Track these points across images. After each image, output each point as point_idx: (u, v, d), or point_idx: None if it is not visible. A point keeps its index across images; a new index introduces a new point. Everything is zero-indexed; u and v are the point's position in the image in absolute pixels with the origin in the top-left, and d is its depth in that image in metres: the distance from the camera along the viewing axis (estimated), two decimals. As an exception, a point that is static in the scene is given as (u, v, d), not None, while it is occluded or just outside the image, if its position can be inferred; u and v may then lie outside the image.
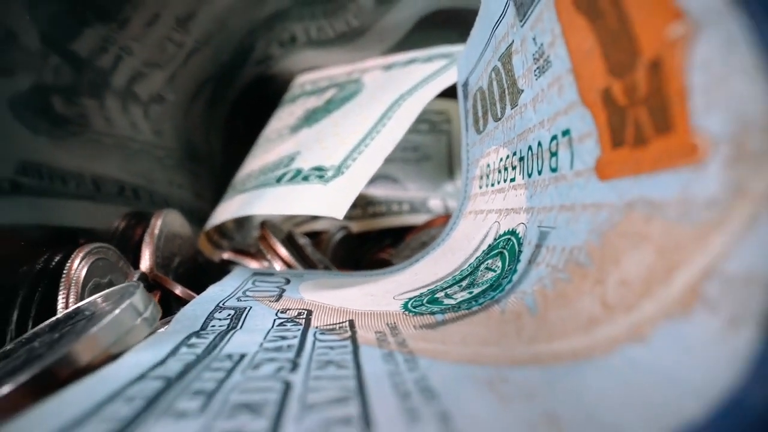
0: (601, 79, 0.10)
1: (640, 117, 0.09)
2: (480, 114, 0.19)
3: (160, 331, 0.13)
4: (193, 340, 0.12)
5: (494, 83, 0.17)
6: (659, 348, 0.07)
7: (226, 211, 0.25)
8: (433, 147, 0.38)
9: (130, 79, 0.29)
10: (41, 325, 0.14)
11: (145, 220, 0.24)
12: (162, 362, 0.10)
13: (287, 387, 0.08)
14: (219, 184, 0.35)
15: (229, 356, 0.10)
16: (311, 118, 0.27)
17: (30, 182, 0.21)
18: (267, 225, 0.24)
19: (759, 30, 0.06)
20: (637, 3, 0.08)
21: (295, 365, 0.09)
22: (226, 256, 0.25)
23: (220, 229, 0.29)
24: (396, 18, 0.31)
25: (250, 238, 0.32)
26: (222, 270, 0.25)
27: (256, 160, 0.28)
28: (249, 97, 0.38)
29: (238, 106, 0.38)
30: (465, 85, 0.21)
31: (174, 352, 0.11)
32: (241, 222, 0.32)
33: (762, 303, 0.06)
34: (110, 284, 0.18)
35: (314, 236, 0.31)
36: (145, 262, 0.21)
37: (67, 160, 0.24)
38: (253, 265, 0.24)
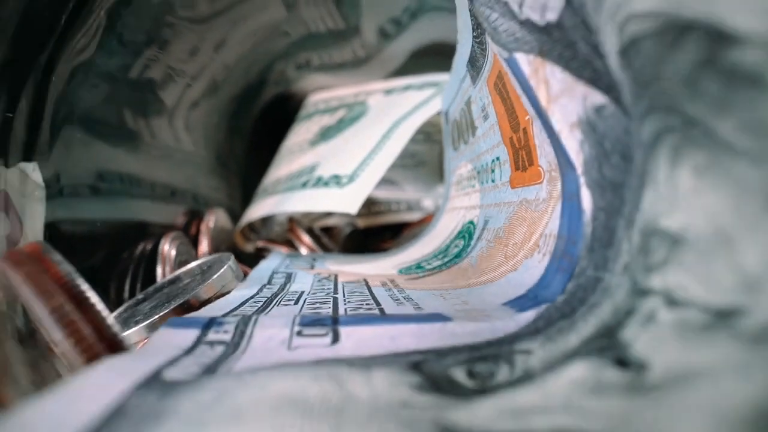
0: (508, 131, 0.18)
1: (523, 155, 0.17)
2: (456, 136, 0.27)
3: (240, 284, 0.21)
4: (267, 287, 0.20)
5: (463, 118, 0.25)
6: (519, 271, 0.15)
7: (260, 210, 0.33)
8: (428, 154, 0.46)
9: (178, 100, 0.37)
10: (160, 283, 0.22)
11: (199, 216, 0.32)
12: (257, 293, 0.18)
13: (335, 299, 0.16)
14: (246, 188, 0.43)
15: (295, 291, 0.18)
16: (326, 134, 0.36)
17: (109, 186, 0.30)
18: (294, 220, 0.32)
19: (545, 125, 0.14)
20: (514, 100, 0.16)
21: (335, 292, 0.18)
22: (260, 244, 0.33)
23: (251, 225, 0.38)
24: (395, 49, 0.39)
25: (272, 232, 0.40)
26: (257, 256, 0.33)
27: (282, 169, 0.36)
28: (268, 112, 0.46)
29: (259, 120, 0.46)
30: (446, 113, 0.29)
31: (260, 290, 0.19)
32: (266, 219, 0.40)
33: (552, 244, 0.14)
34: (187, 261, 0.26)
35: (327, 231, 0.39)
36: (204, 248, 0.30)
37: (137, 168, 0.32)
38: (283, 250, 0.32)
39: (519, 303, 0.13)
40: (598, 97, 0.10)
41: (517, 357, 0.10)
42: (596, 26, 0.09)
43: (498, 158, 0.20)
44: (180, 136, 0.38)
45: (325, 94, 0.43)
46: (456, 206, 0.27)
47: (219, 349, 0.11)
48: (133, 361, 0.09)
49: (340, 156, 0.31)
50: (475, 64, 0.20)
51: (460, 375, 0.10)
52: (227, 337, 0.11)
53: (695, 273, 0.08)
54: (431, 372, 0.10)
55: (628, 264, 0.10)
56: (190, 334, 0.11)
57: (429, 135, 0.46)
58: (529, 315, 0.12)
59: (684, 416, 0.07)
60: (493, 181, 0.21)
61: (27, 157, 0.15)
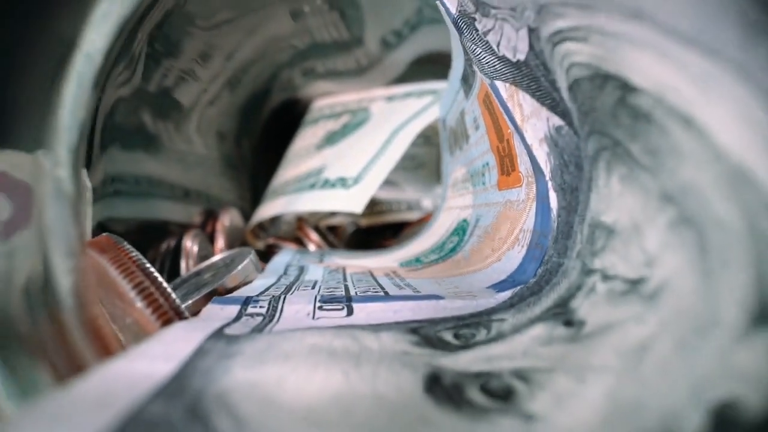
0: (495, 141, 0.21)
1: (507, 162, 0.20)
2: (452, 142, 0.30)
3: (259, 275, 0.24)
4: (284, 276, 0.23)
5: (458, 126, 0.28)
6: (503, 261, 0.18)
7: (271, 209, 0.36)
8: (427, 157, 0.49)
9: (193, 106, 0.40)
10: (185, 275, 0.25)
11: (214, 215, 0.35)
12: (276, 282, 0.21)
13: (346, 285, 0.19)
14: (255, 189, 0.46)
15: (309, 280, 0.21)
16: (331, 139, 0.39)
17: (136, 188, 0.33)
18: (302, 219, 0.35)
19: (521, 139, 0.17)
20: (498, 115, 0.19)
21: (345, 281, 0.21)
22: (271, 241, 0.36)
23: (260, 224, 0.41)
24: (397, 58, 0.42)
25: (280, 230, 0.43)
26: (267, 252, 0.36)
27: (290, 171, 0.39)
28: (276, 117, 0.49)
29: (267, 124, 0.49)
30: (444, 121, 0.32)
31: (278, 279, 0.22)
32: (274, 218, 0.43)
33: (529, 238, 0.17)
34: (207, 257, 0.29)
35: (332, 230, 0.42)
36: (220, 244, 0.33)
37: (158, 171, 0.35)
38: (292, 247, 0.35)
39: (500, 286, 0.16)
40: (557, 120, 0.13)
41: (493, 324, 0.13)
42: (552, 68, 0.12)
43: (487, 164, 0.23)
44: (193, 139, 0.41)
45: (329, 99, 0.46)
46: (452, 206, 0.30)
47: (258, 319, 0.14)
48: (199, 322, 0.12)
49: (346, 160, 0.34)
50: (467, 81, 0.23)
51: (448, 336, 0.13)
52: (263, 310, 0.14)
53: (620, 255, 0.11)
54: (426, 334, 0.13)
55: (580, 251, 0.13)
56: (234, 309, 0.14)
57: (428, 139, 0.49)
58: (506, 294, 0.15)
59: (600, 352, 0.10)
60: (483, 183, 0.24)
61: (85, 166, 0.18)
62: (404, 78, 0.44)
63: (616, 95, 0.10)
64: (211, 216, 0.35)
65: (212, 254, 0.31)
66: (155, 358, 0.09)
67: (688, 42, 0.08)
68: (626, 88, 0.10)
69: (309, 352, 0.11)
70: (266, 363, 0.10)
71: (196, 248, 0.28)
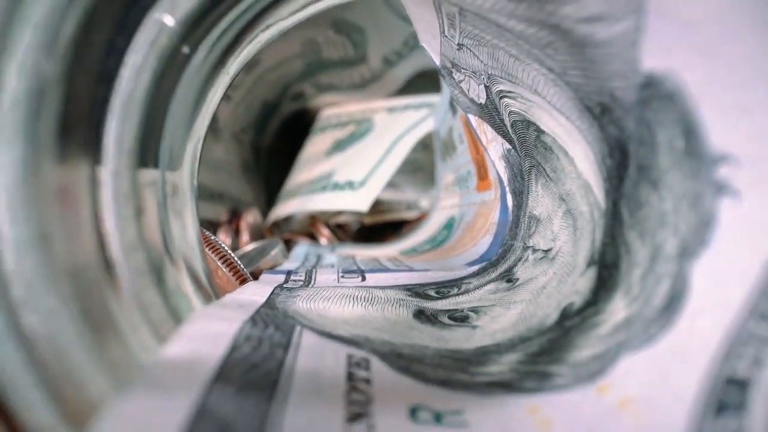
0: (474, 153, 0.28)
1: (482, 170, 0.27)
2: (444, 151, 0.37)
3: (286, 261, 0.31)
4: (306, 262, 0.30)
5: (448, 139, 0.35)
6: (477, 246, 0.25)
7: (287, 208, 0.43)
8: (425, 161, 0.55)
9: (221, 115, 0.46)
10: (224, 261, 0.32)
11: (238, 214, 0.42)
12: (302, 264, 0.28)
13: (357, 266, 0.26)
14: (269, 190, 0.53)
15: (328, 263, 0.28)
16: (339, 147, 0.46)
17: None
18: (315, 217, 0.42)
19: (488, 155, 0.24)
20: (474, 136, 0.26)
21: (356, 263, 0.27)
22: (286, 236, 0.43)
23: (275, 222, 0.47)
24: (398, 73, 0.49)
25: (292, 227, 0.50)
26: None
27: (302, 175, 0.46)
28: (286, 125, 0.56)
29: (279, 132, 0.56)
30: (437, 132, 0.39)
31: (302, 263, 0.29)
32: (287, 217, 0.50)
33: (495, 228, 0.24)
34: (235, 249, 0.36)
35: (339, 227, 0.49)
36: (245, 238, 0.39)
37: (189, 176, 0.42)
38: (306, 241, 0.42)
39: (473, 263, 0.23)
40: (507, 145, 0.20)
41: (463, 285, 0.20)
42: (501, 111, 0.19)
43: (470, 171, 0.29)
44: (215, 145, 0.48)
45: (335, 110, 0.53)
46: (444, 206, 0.37)
47: (300, 283, 0.20)
48: (263, 282, 0.19)
49: (353, 165, 0.41)
50: (453, 104, 0.30)
51: (431, 292, 0.19)
52: (302, 278, 0.21)
53: (542, 235, 0.18)
54: (417, 291, 0.19)
55: (522, 235, 0.20)
56: (281, 276, 0.21)
57: (427, 145, 0.56)
58: (475, 267, 0.22)
59: (521, 293, 0.16)
60: (467, 187, 0.30)
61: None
62: (403, 91, 0.51)
63: (535, 134, 0.17)
64: (235, 214, 0.42)
65: (239, 247, 0.38)
66: (251, 294, 0.16)
67: (559, 111, 0.15)
68: (539, 130, 0.17)
69: (340, 297, 0.17)
70: (315, 301, 0.17)
71: (228, 241, 0.35)
